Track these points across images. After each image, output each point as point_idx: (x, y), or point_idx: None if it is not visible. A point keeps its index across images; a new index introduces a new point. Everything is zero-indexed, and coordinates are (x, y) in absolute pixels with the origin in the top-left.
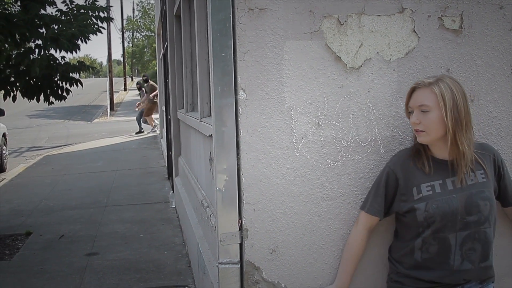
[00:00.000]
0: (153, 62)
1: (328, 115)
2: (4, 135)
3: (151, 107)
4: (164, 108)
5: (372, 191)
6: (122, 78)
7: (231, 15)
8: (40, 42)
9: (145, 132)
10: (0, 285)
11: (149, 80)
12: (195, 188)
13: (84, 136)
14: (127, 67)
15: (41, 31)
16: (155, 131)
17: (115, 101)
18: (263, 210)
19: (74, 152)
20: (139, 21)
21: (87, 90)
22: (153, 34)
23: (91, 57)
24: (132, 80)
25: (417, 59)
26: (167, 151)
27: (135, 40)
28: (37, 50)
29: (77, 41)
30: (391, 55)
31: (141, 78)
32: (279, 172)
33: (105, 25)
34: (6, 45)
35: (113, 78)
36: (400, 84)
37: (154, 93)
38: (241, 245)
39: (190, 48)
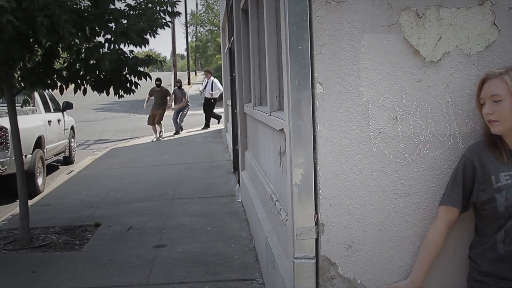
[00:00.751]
0: (216, 56)
1: (406, 110)
2: (72, 128)
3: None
4: (229, 102)
5: (449, 183)
6: (186, 72)
7: (307, 8)
8: (109, 36)
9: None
10: (71, 275)
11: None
12: (263, 182)
13: (149, 130)
14: (191, 61)
15: (110, 25)
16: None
17: None
18: (339, 205)
19: (140, 145)
20: (203, 16)
21: (151, 84)
22: (216, 28)
23: (155, 52)
24: (195, 74)
25: (497, 53)
26: (233, 145)
27: (199, 34)
28: (106, 44)
29: (146, 35)
30: (470, 48)
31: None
32: (356, 167)
33: (178, 19)
34: (76, 40)
35: (177, 72)
36: (479, 78)
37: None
38: (317, 240)
39: (258, 42)
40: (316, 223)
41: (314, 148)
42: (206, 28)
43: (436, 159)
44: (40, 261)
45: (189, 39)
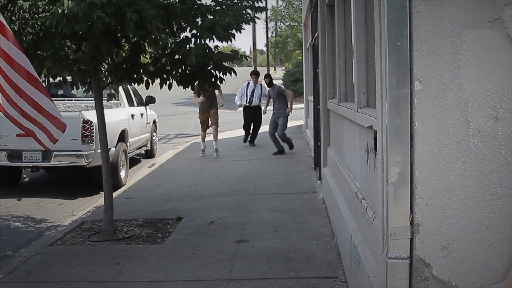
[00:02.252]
0: (296, 52)
1: (508, 108)
2: (154, 122)
3: None
4: (310, 98)
5: None
6: (265, 68)
7: (407, 3)
8: (195, 31)
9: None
10: (154, 268)
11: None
12: (348, 179)
13: (229, 124)
14: (270, 57)
15: (197, 20)
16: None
17: None
18: (435, 205)
19: (220, 140)
20: (283, 11)
21: (231, 79)
22: (297, 24)
23: (234, 47)
24: (275, 70)
25: None
26: (315, 141)
27: (279, 30)
28: (193, 40)
29: (232, 30)
30: None
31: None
32: (453, 166)
33: (259, 14)
34: (163, 35)
35: (257, 68)
36: None
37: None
38: (411, 240)
39: (344, 37)
40: (411, 223)
41: (411, 147)
42: (286, 24)
43: None
44: (123, 253)
45: (269, 34)
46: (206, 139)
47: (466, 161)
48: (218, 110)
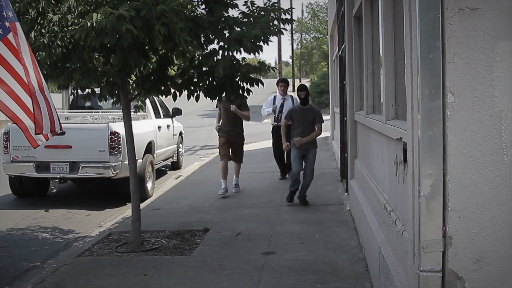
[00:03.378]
0: (321, 63)
1: None
2: (180, 133)
3: None
4: (336, 110)
5: None
6: (291, 80)
7: (440, 15)
8: (223, 43)
9: None
10: (182, 279)
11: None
12: (376, 191)
13: (255, 136)
14: (295, 69)
15: (225, 32)
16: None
17: None
18: (468, 218)
19: (246, 151)
20: (309, 23)
21: (256, 91)
22: (322, 35)
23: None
24: (300, 81)
25: None
26: (341, 153)
27: (304, 41)
28: (220, 52)
29: (259, 42)
30: None
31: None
32: (486, 179)
33: (287, 26)
34: (190, 47)
35: None
36: None
37: None
38: (443, 253)
39: (371, 49)
40: (444, 236)
41: (444, 159)
42: (311, 35)
43: None
44: (151, 264)
45: (294, 46)
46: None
47: (499, 173)
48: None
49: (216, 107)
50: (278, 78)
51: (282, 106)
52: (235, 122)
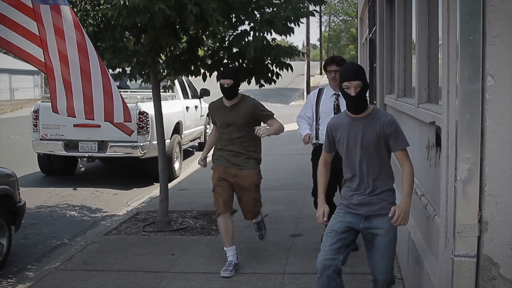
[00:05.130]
0: (349, 46)
1: None
2: (208, 114)
3: None
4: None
5: None
6: (318, 62)
7: None
8: (254, 24)
9: None
10: (209, 259)
11: None
12: None
13: (282, 118)
14: (323, 52)
15: (256, 13)
16: None
17: (311, 85)
18: (505, 203)
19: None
20: (337, 5)
21: (283, 74)
22: (351, 18)
23: (287, 41)
24: None
25: None
26: None
27: (332, 24)
28: (251, 33)
29: (290, 24)
30: None
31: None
32: None
33: (318, 8)
34: (221, 28)
35: (310, 63)
36: None
37: None
38: (478, 238)
39: (403, 32)
40: (479, 221)
41: (482, 143)
42: (340, 18)
43: None
44: (178, 244)
45: (322, 28)
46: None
47: None
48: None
49: (213, 123)
50: (306, 62)
51: (337, 108)
52: (243, 140)
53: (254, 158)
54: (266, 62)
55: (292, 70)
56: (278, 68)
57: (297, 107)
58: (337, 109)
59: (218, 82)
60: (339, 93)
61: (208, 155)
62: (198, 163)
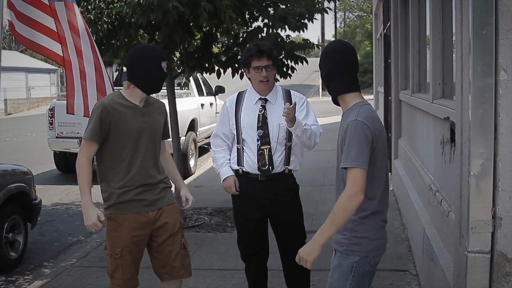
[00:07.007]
0: (365, 42)
1: None
2: None
3: None
4: (380, 89)
5: None
6: None
7: None
8: (267, 21)
9: None
10: (224, 256)
11: None
12: (420, 171)
13: None
14: None
15: (269, 10)
16: None
17: None
18: None
19: None
20: (352, 1)
21: (298, 70)
22: (365, 14)
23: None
24: None
25: None
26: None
27: (347, 20)
28: (265, 29)
29: (304, 20)
30: None
31: None
32: None
33: (331, 5)
34: (235, 24)
35: None
36: None
37: None
38: (492, 234)
39: (418, 28)
40: (493, 217)
41: (495, 138)
42: (355, 14)
43: None
44: (193, 241)
45: (337, 24)
46: None
47: None
48: None
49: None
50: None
51: (263, 119)
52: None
53: None
54: (281, 57)
55: (307, 63)
56: (293, 62)
57: (313, 103)
58: (262, 121)
59: (233, 77)
60: (267, 97)
61: None
62: None
